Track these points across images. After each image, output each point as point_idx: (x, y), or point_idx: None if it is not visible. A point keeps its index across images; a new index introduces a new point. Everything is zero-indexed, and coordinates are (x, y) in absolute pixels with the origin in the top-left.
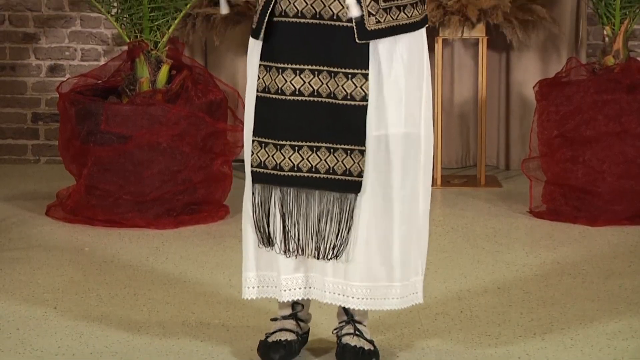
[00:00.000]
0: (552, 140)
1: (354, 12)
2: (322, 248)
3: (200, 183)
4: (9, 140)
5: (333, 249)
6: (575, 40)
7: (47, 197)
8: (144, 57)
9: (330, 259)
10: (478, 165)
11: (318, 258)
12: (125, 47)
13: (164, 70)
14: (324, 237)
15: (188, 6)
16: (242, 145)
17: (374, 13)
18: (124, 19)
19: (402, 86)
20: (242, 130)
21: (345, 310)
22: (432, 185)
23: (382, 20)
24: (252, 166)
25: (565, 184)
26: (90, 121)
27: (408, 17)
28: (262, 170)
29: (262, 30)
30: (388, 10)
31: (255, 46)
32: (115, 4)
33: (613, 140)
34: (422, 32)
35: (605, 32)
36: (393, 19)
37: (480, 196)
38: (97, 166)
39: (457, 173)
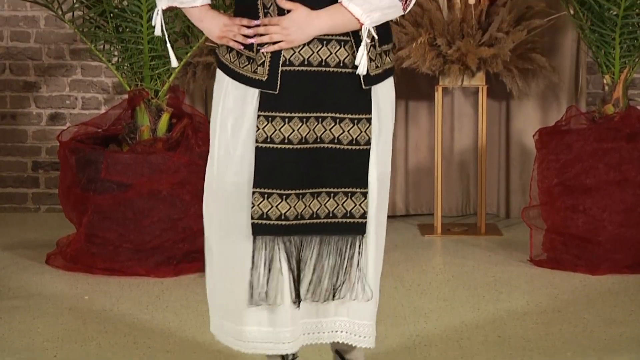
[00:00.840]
0: (552, 189)
1: (364, 69)
2: (332, 290)
3: (200, 231)
4: (9, 188)
5: (342, 289)
6: (575, 89)
7: (47, 245)
8: (145, 106)
9: (343, 297)
10: (478, 214)
11: (328, 299)
12: (126, 96)
13: (165, 118)
14: (334, 279)
15: (188, 55)
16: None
17: (373, 58)
18: (125, 67)
19: (390, 127)
20: None
21: (340, 355)
22: (433, 233)
23: (379, 65)
24: (252, 218)
25: (565, 232)
26: (90, 169)
27: (390, 61)
28: (264, 222)
29: (278, 82)
30: (381, 55)
31: (249, 96)
32: (116, 53)
33: (613, 188)
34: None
35: (605, 81)
36: (383, 64)
37: (480, 244)
38: (97, 214)
39: (458, 221)
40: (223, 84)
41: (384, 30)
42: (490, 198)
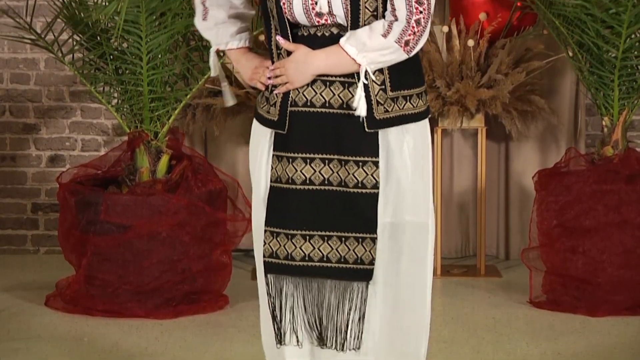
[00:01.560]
0: (551, 230)
1: (362, 111)
2: (335, 338)
3: (199, 273)
4: (9, 230)
5: (346, 339)
6: (574, 131)
7: (46, 287)
8: (144, 147)
9: (344, 349)
10: (478, 255)
11: (331, 348)
12: (126, 138)
13: (164, 160)
14: (337, 327)
15: (188, 97)
16: (242, 235)
17: (382, 102)
18: (125, 109)
19: (409, 175)
20: (242, 220)
21: None
22: (433, 275)
23: (389, 110)
24: (264, 256)
25: (565, 274)
26: (90, 211)
27: (414, 107)
28: (274, 260)
29: (287, 122)
30: (395, 99)
31: (264, 136)
32: (115, 95)
33: (613, 230)
34: (426, 122)
35: (604, 123)
36: (400, 109)
37: (480, 286)
38: (96, 256)
39: (457, 263)
40: (254, 125)
41: (403, 73)
42: (490, 239)
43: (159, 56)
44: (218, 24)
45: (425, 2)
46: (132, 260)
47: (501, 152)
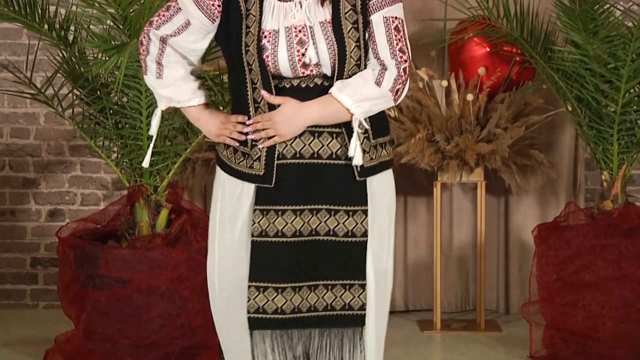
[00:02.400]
0: (551, 285)
1: (359, 160)
2: None
3: (199, 327)
4: (8, 285)
5: None
6: (573, 185)
7: (45, 342)
8: (144, 202)
9: None
10: (477, 309)
11: None
12: (125, 192)
13: (164, 214)
14: None
15: (188, 151)
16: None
17: (367, 150)
18: (124, 163)
19: (387, 220)
20: None
21: None
22: (433, 329)
23: (374, 157)
24: (249, 312)
25: (565, 328)
26: (89, 265)
27: (387, 154)
28: (260, 316)
29: (274, 176)
30: (375, 147)
31: (245, 191)
32: (115, 149)
33: (612, 284)
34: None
35: (603, 177)
36: (379, 156)
37: (480, 340)
38: (95, 310)
39: (457, 317)
40: (220, 180)
41: (379, 122)
42: (490, 294)
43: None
44: (178, 81)
45: (407, 50)
46: (132, 315)
47: (501, 206)
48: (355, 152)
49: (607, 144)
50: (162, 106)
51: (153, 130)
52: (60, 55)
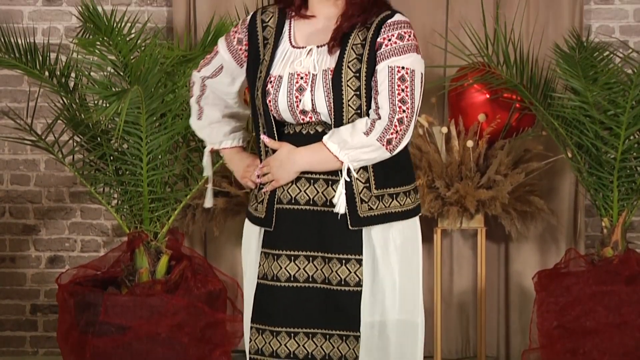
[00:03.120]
0: (552, 332)
1: (341, 208)
2: None
3: None
4: (7, 332)
5: None
6: (573, 232)
7: None
8: (144, 248)
9: None
10: (478, 356)
11: None
12: (125, 238)
13: (164, 260)
14: None
15: (188, 197)
16: (242, 336)
17: (366, 200)
18: (124, 210)
19: (396, 273)
20: (241, 320)
21: None
22: None
23: (374, 207)
24: (250, 353)
25: None
26: (89, 312)
27: (401, 205)
28: (259, 357)
29: (273, 219)
30: (380, 197)
31: (253, 233)
32: (115, 196)
33: (613, 331)
34: (416, 220)
35: (603, 224)
36: (385, 207)
37: None
38: (95, 357)
39: None
40: (246, 223)
41: (387, 172)
42: (490, 340)
43: (159, 157)
44: (212, 123)
45: (409, 101)
46: None
47: (501, 252)
48: (339, 200)
49: (607, 191)
50: (207, 147)
51: (207, 171)
52: (61, 102)
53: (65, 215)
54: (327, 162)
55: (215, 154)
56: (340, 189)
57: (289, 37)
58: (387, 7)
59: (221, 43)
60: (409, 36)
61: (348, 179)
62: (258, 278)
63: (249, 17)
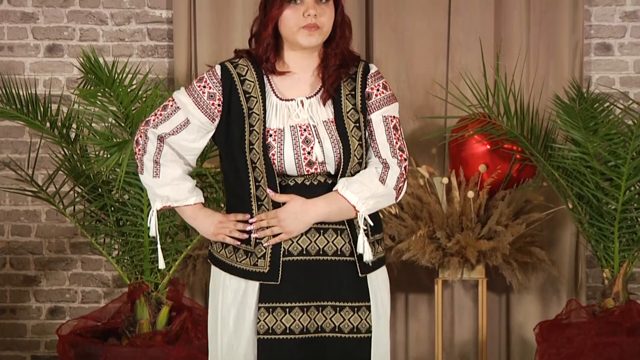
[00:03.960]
0: None
1: (369, 255)
2: None
3: None
4: None
5: None
6: (574, 283)
7: None
8: (144, 299)
9: None
10: None
11: None
12: (126, 289)
13: (164, 311)
14: None
15: (189, 248)
16: None
17: None
18: (125, 260)
19: (385, 317)
20: None
21: None
22: None
23: (373, 254)
24: None
25: None
26: None
27: (382, 250)
28: None
29: (280, 273)
30: (373, 244)
31: (245, 289)
32: (116, 246)
33: None
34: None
35: (604, 275)
36: (377, 253)
37: None
38: None
39: None
40: (219, 279)
41: (374, 220)
42: None
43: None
44: (175, 180)
45: (405, 149)
46: None
47: (502, 303)
48: (365, 249)
49: (608, 242)
50: (157, 206)
51: (153, 232)
52: (62, 152)
53: (65, 266)
54: (343, 212)
55: (162, 212)
56: (362, 237)
57: (273, 90)
58: (358, 57)
59: (184, 98)
60: (388, 85)
61: (365, 228)
62: (259, 334)
63: (218, 72)
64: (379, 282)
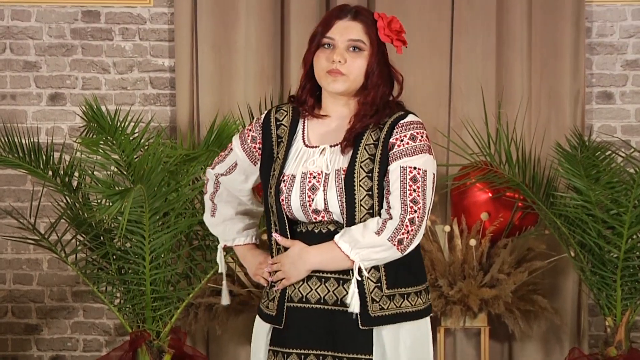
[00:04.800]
0: None
1: (355, 308)
2: None
3: None
4: None
5: None
6: (577, 331)
7: None
8: (146, 347)
9: None
10: None
11: None
12: (128, 337)
13: None
14: None
15: (191, 296)
16: None
17: (377, 300)
18: (127, 309)
19: None
20: None
21: None
22: None
23: (385, 307)
24: None
25: None
26: None
27: (412, 305)
28: None
29: (284, 317)
30: (392, 297)
31: (263, 330)
32: (118, 295)
33: None
34: (427, 320)
35: (607, 323)
36: (397, 307)
37: None
38: None
39: None
40: (256, 321)
41: (399, 272)
42: None
43: (162, 256)
44: (226, 221)
45: (421, 201)
46: None
47: (504, 351)
48: (352, 299)
49: (611, 290)
50: (220, 244)
51: (222, 267)
52: (64, 201)
53: (67, 315)
54: (338, 261)
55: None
56: (353, 288)
57: (303, 136)
58: (401, 107)
59: (235, 140)
60: (422, 137)
61: (359, 278)
62: None
63: (263, 116)
64: (391, 338)
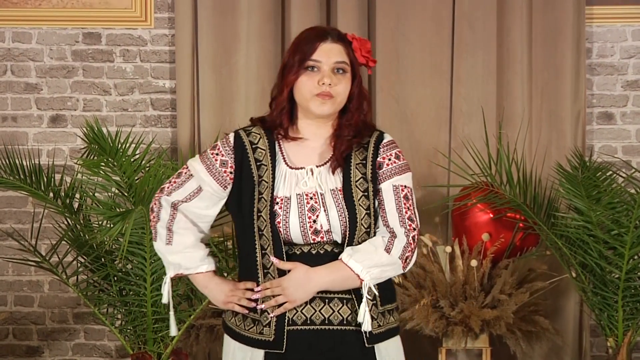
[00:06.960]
0: None
1: (368, 326)
2: None
3: None
4: None
5: None
6: (579, 352)
7: None
8: None
9: None
10: None
11: None
12: (129, 359)
13: None
14: None
15: (192, 317)
16: None
17: (375, 317)
18: (128, 330)
19: None
20: None
21: None
22: None
23: (381, 324)
24: None
25: None
26: None
27: (394, 320)
28: None
29: (284, 342)
30: (383, 314)
31: (243, 355)
32: (119, 316)
33: None
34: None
35: (608, 344)
36: (387, 323)
37: None
38: None
39: None
40: (230, 348)
41: (386, 289)
42: None
43: (163, 277)
44: (187, 248)
45: (415, 219)
46: None
47: None
48: (365, 318)
49: (612, 311)
50: (170, 273)
51: (165, 298)
52: (65, 222)
53: (68, 337)
54: (347, 282)
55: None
56: (364, 307)
57: (283, 158)
58: (373, 126)
59: (198, 165)
60: (402, 155)
61: (370, 297)
62: None
63: (231, 140)
64: (389, 353)
